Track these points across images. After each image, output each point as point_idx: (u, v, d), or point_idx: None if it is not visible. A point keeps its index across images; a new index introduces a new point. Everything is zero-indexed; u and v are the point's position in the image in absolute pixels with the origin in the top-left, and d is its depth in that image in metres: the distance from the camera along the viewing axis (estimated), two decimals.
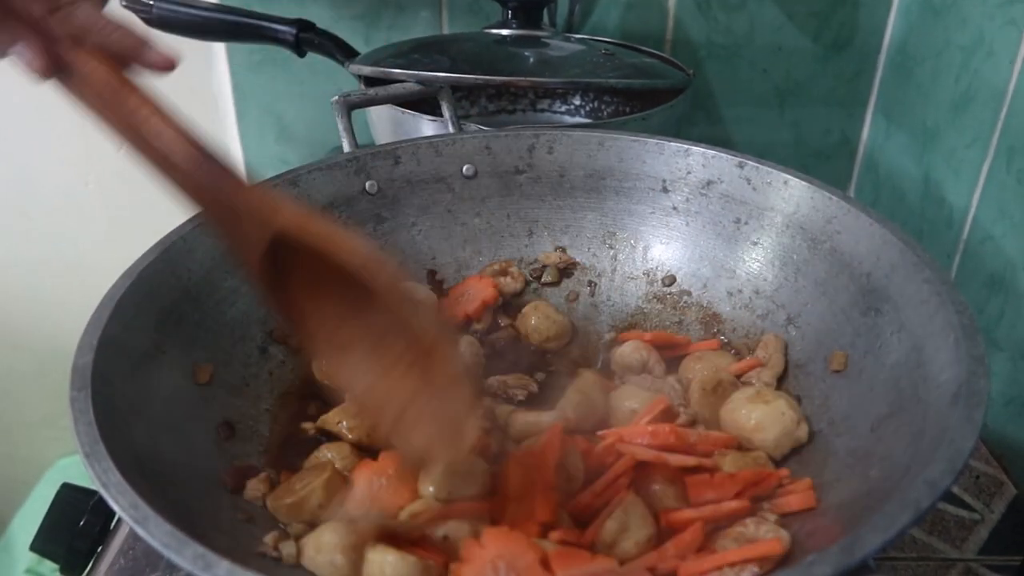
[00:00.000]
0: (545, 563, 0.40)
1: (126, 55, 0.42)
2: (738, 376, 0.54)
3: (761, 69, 1.01)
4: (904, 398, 0.43)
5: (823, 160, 1.07)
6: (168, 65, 0.44)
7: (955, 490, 0.67)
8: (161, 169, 0.40)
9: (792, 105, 1.04)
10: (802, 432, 0.48)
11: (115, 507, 0.35)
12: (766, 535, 0.40)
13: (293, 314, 0.43)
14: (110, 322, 0.45)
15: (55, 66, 0.41)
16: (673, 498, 0.45)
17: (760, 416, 0.48)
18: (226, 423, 0.49)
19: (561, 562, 0.40)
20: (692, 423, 0.51)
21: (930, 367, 0.42)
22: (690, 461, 0.45)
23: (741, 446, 0.48)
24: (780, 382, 0.54)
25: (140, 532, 0.34)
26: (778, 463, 0.48)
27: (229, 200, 0.40)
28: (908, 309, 0.46)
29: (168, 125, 0.40)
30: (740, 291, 0.59)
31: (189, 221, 0.54)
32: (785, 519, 0.42)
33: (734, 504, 0.43)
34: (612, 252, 0.65)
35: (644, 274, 0.64)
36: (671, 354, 0.58)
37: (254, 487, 0.46)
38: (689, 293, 0.61)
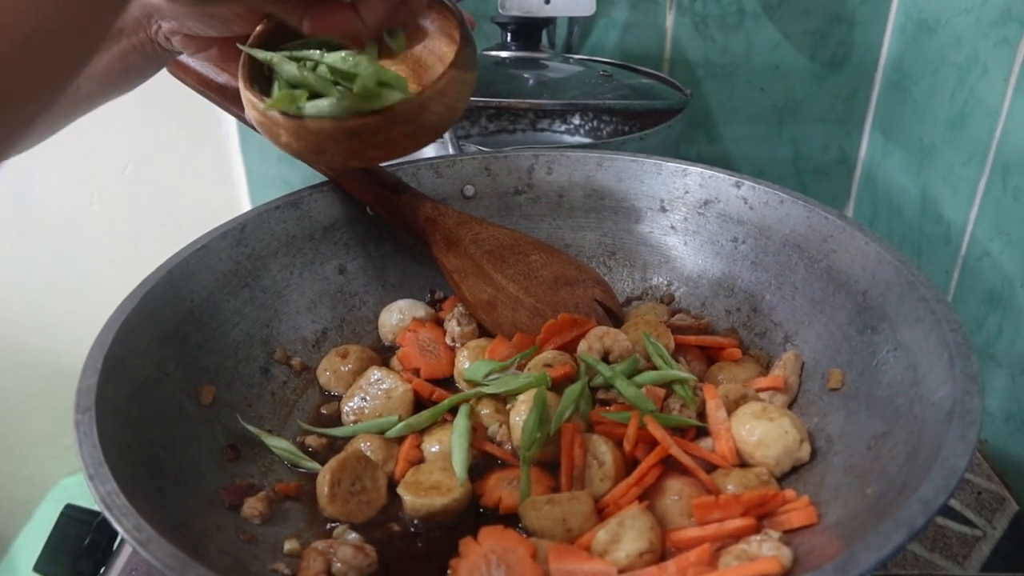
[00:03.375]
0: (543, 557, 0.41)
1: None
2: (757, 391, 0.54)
3: (759, 88, 1.02)
4: (900, 416, 0.43)
5: (821, 177, 1.08)
6: None
7: (957, 506, 0.67)
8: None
9: (790, 123, 1.04)
10: (804, 452, 0.47)
11: (119, 529, 0.36)
12: (768, 553, 0.40)
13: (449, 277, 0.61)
14: (114, 345, 0.45)
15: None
16: (680, 515, 0.45)
17: (763, 433, 0.47)
18: (231, 446, 0.50)
19: (557, 556, 0.41)
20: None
21: (925, 385, 0.43)
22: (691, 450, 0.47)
23: (743, 462, 0.48)
24: None
25: (143, 554, 0.35)
26: (777, 479, 0.48)
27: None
28: (903, 328, 0.47)
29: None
30: (738, 309, 0.60)
31: (191, 244, 0.55)
32: (788, 536, 0.42)
33: (738, 523, 0.42)
34: (611, 271, 0.65)
35: (643, 293, 0.64)
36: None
37: (252, 505, 0.46)
38: (687, 312, 0.62)
